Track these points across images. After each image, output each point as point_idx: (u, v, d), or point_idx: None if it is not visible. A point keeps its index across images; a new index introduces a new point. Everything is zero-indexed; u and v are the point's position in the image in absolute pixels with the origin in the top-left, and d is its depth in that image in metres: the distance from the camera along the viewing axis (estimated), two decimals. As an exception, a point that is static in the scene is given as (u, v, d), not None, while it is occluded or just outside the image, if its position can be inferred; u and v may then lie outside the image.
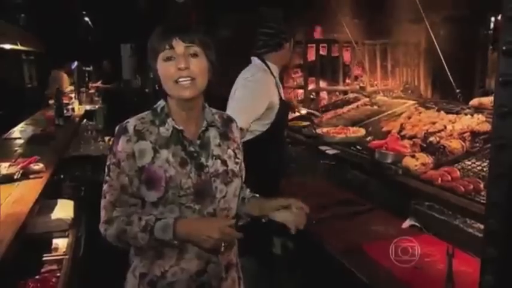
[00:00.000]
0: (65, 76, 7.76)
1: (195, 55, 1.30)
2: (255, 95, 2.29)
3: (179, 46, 1.28)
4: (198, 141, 1.38)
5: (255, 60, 2.43)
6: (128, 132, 1.33)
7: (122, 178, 1.33)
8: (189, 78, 1.28)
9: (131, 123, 1.35)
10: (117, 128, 1.36)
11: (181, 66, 1.27)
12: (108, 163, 1.36)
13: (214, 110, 1.48)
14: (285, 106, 2.46)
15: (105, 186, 1.36)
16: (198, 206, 1.34)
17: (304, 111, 3.25)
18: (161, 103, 1.39)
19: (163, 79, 1.31)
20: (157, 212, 1.33)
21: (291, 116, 3.63)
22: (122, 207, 1.34)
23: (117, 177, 1.34)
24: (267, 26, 2.39)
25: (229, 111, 2.21)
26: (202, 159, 1.36)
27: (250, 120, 2.23)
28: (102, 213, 1.37)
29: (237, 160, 1.44)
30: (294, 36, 2.47)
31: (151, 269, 1.36)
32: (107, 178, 1.35)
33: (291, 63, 4.63)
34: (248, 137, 2.25)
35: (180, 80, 1.28)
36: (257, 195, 1.56)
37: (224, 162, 1.39)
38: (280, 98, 2.40)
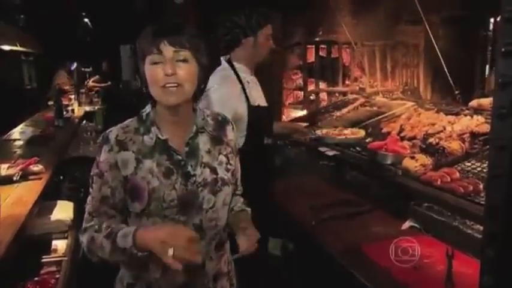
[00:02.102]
0: (64, 74, 7.79)
1: (184, 60, 1.24)
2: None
3: (167, 51, 1.23)
4: (186, 149, 1.33)
5: (222, 61, 2.20)
6: (110, 142, 1.30)
7: (104, 189, 1.30)
8: (175, 84, 1.24)
9: (113, 132, 1.32)
10: (100, 136, 1.34)
11: (168, 72, 1.22)
12: (92, 173, 1.33)
13: (207, 112, 1.44)
14: (258, 113, 2.16)
15: (88, 197, 1.34)
16: (184, 218, 1.29)
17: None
18: (147, 109, 1.36)
19: (150, 83, 1.27)
20: (140, 224, 1.28)
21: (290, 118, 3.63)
22: (98, 218, 1.30)
23: (99, 188, 1.30)
24: (228, 20, 2.15)
25: None
26: (190, 168, 1.31)
27: None
28: (83, 222, 1.34)
29: (228, 166, 1.39)
30: (262, 29, 2.14)
31: (138, 280, 1.35)
32: (90, 189, 1.33)
33: (290, 63, 4.64)
34: None
35: (167, 85, 1.24)
36: (247, 208, 1.51)
37: (214, 170, 1.34)
38: (249, 106, 2.12)
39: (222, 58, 2.20)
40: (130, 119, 1.36)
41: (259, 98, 2.22)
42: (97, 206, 1.31)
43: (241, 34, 2.12)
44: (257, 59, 2.21)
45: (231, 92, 2.10)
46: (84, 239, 1.29)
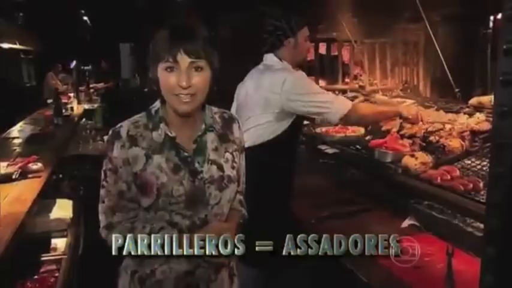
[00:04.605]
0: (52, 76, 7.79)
1: (199, 68, 1.25)
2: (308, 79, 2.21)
3: (184, 61, 1.23)
4: (194, 146, 1.35)
5: (270, 57, 2.26)
6: (122, 138, 1.31)
7: (120, 184, 1.32)
8: (189, 95, 1.25)
9: (124, 127, 1.33)
10: (110, 132, 1.34)
11: (183, 84, 1.22)
12: (104, 168, 1.34)
13: (215, 109, 1.44)
14: None
15: (102, 191, 1.35)
16: (190, 213, 1.32)
17: None
18: (157, 104, 1.36)
19: (163, 88, 1.27)
20: (148, 217, 1.33)
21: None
22: (122, 213, 1.34)
23: (114, 183, 1.32)
24: (267, 23, 2.27)
25: (317, 108, 2.09)
26: (197, 165, 1.33)
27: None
28: (102, 217, 1.36)
29: (234, 164, 1.41)
30: (301, 30, 2.23)
31: (141, 266, 1.36)
32: (104, 183, 1.34)
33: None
34: (268, 137, 2.15)
35: (180, 95, 1.25)
36: (241, 208, 1.51)
37: (220, 167, 1.36)
38: None
39: (267, 55, 2.27)
40: (139, 114, 1.37)
41: None
42: (116, 201, 1.34)
43: (283, 36, 2.21)
44: (297, 59, 2.29)
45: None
46: (113, 234, 1.30)
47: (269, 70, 2.22)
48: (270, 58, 2.26)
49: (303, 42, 2.25)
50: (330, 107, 2.09)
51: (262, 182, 2.10)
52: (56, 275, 2.28)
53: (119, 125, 1.34)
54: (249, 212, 1.53)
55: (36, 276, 2.23)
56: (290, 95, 2.08)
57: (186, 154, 1.33)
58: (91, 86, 8.44)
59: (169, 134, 1.32)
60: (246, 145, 2.05)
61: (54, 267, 2.36)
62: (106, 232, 1.35)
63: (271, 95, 2.11)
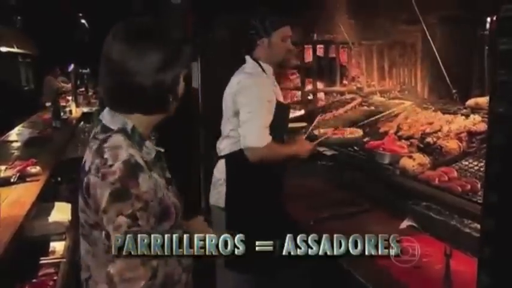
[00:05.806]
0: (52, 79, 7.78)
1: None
2: (259, 98, 2.14)
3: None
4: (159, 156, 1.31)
5: (247, 59, 2.29)
6: (143, 168, 1.14)
7: (151, 220, 1.14)
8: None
9: (135, 155, 1.14)
10: (121, 166, 1.10)
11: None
12: (129, 212, 1.09)
13: None
14: (283, 110, 2.31)
15: (125, 236, 1.11)
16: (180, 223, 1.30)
17: None
18: (126, 122, 1.20)
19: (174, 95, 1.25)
20: None
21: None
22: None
23: (147, 222, 1.12)
24: (245, 22, 2.28)
25: (245, 128, 2.09)
26: (167, 173, 1.31)
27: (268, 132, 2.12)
28: (141, 272, 1.11)
29: None
30: (277, 30, 2.21)
31: None
32: (135, 229, 1.10)
33: (289, 62, 4.62)
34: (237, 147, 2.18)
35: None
36: None
37: (169, 170, 1.35)
38: (277, 101, 2.26)
39: (247, 57, 2.29)
40: (114, 137, 1.18)
41: (280, 96, 2.33)
42: None
43: (256, 35, 2.21)
44: (274, 59, 2.28)
45: (264, 82, 2.20)
46: (157, 279, 1.16)
47: (238, 71, 2.28)
48: (247, 59, 2.29)
49: (279, 43, 2.23)
50: (246, 133, 2.10)
51: (244, 187, 2.13)
52: (55, 278, 2.27)
53: (125, 155, 1.12)
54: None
55: (34, 280, 2.23)
56: (235, 97, 2.15)
57: (164, 165, 1.32)
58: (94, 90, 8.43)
59: (160, 149, 1.27)
60: (224, 153, 2.06)
61: (52, 270, 2.35)
62: (150, 284, 1.11)
63: (227, 95, 2.20)
